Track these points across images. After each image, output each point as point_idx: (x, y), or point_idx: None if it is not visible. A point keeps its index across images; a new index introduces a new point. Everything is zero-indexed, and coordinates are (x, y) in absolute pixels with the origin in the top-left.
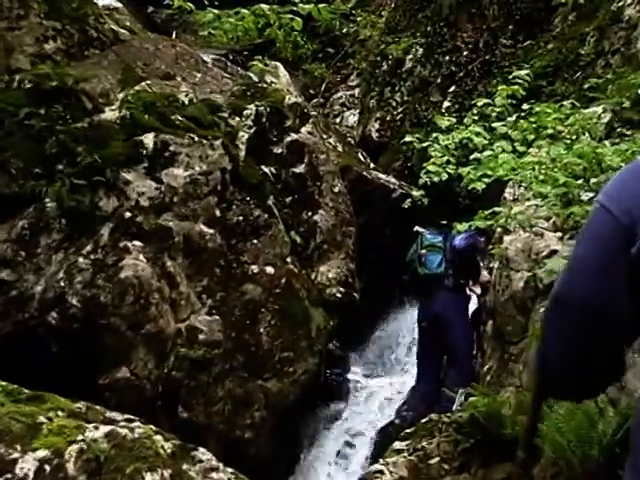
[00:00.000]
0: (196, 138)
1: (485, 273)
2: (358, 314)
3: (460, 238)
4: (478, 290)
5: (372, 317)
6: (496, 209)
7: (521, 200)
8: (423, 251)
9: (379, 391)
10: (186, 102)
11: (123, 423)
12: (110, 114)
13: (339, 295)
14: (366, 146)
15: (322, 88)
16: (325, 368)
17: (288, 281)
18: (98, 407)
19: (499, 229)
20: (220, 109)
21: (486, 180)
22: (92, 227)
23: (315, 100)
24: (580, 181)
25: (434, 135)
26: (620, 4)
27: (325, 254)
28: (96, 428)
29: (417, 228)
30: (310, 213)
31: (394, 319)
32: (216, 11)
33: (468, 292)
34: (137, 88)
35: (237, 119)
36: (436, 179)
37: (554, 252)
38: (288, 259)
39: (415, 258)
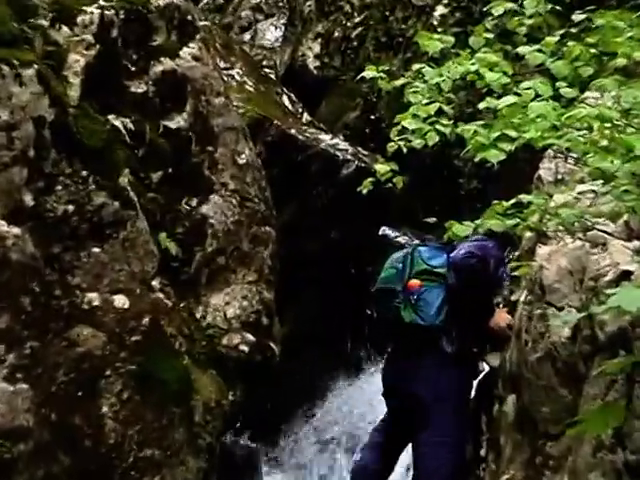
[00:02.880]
0: None
1: (503, 314)
2: (280, 382)
3: (455, 255)
4: (496, 362)
5: (304, 387)
6: (524, 198)
7: (568, 183)
8: (415, 282)
9: None
10: None
11: None
12: None
13: (245, 348)
14: (298, 83)
15: None
16: (220, 477)
17: (154, 322)
18: None
19: (528, 234)
20: (34, 13)
21: (507, 147)
22: None
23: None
24: None
25: (416, 66)
26: None
27: (221, 274)
28: None
29: (385, 230)
30: (195, 201)
31: (343, 390)
32: None
33: (481, 366)
34: None
35: (66, 30)
36: (418, 143)
37: (626, 275)
38: (154, 282)
39: (400, 291)
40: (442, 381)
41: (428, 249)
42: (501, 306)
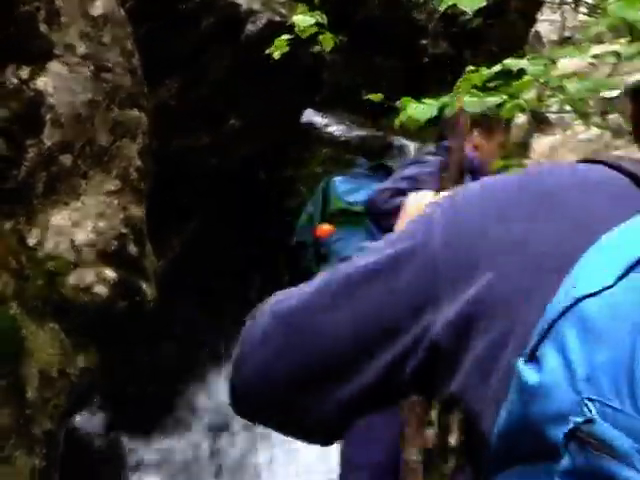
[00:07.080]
0: None
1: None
2: (157, 342)
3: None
4: None
5: (194, 351)
6: (513, 65)
7: (580, 43)
8: (325, 227)
9: None
10: None
11: None
12: None
13: (102, 290)
14: None
15: None
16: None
17: None
18: None
19: (520, 118)
20: None
21: None
22: None
23: None
24: None
25: None
26: None
27: (65, 181)
28: None
29: (311, 117)
30: (25, 72)
31: None
32: None
33: None
34: None
35: None
36: None
37: None
38: None
39: (310, 242)
40: None
41: (347, 179)
42: None
